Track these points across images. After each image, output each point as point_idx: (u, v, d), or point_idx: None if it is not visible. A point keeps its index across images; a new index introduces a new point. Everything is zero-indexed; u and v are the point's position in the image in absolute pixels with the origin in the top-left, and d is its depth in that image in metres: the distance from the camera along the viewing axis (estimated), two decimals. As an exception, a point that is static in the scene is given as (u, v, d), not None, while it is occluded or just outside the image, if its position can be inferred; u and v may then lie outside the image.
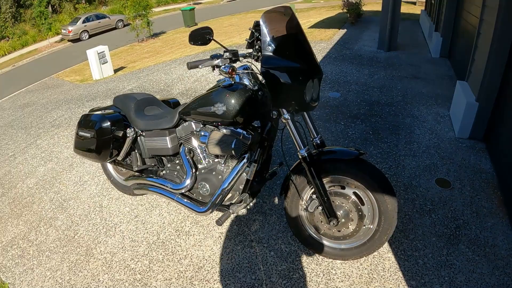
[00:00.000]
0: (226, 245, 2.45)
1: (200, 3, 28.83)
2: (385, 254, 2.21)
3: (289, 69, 1.83)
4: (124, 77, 8.53)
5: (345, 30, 9.20)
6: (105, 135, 2.55)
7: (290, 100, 1.89)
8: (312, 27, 10.08)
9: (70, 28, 20.09)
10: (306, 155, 1.94)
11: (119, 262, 2.49)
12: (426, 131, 3.64)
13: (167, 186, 2.46)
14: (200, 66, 2.05)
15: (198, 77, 6.59)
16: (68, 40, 20.52)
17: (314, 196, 2.04)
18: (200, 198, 2.38)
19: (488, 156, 3.10)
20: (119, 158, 2.76)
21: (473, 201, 2.60)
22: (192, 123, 2.31)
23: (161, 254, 2.48)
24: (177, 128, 2.42)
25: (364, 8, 11.48)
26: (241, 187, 2.19)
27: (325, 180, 1.99)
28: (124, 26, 21.59)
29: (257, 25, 1.96)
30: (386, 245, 2.26)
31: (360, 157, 1.92)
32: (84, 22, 20.57)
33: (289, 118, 1.93)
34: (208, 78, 6.39)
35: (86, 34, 20.52)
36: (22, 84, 12.96)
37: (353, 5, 10.20)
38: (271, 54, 1.82)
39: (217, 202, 2.19)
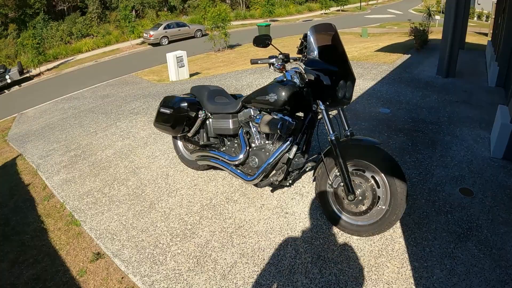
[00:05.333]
0: (265, 213, 2.95)
1: (277, 20, 29.92)
2: (397, 238, 2.56)
3: (326, 70, 2.37)
4: (198, 81, 9.42)
5: (409, 55, 9.36)
6: (181, 112, 3.21)
7: (325, 95, 2.41)
8: (378, 50, 10.34)
9: (151, 33, 21.81)
10: (333, 138, 2.41)
11: (175, 215, 3.10)
12: (462, 148, 3.87)
13: (224, 158, 3.07)
14: (259, 62, 2.68)
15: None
16: (149, 44, 22.28)
17: (339, 174, 2.47)
18: (250, 171, 2.95)
19: (518, 176, 3.29)
20: (189, 134, 3.42)
21: (491, 210, 2.84)
22: (251, 109, 2.91)
23: (210, 213, 3.05)
24: (239, 114, 3.04)
25: (431, 36, 11.48)
26: (283, 164, 2.71)
27: (349, 163, 2.44)
28: (202, 35, 23.03)
29: (305, 36, 2.51)
30: (399, 231, 2.62)
31: (377, 146, 2.36)
32: (165, 28, 22.25)
33: (324, 108, 2.44)
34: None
35: (166, 39, 22.14)
36: (103, 78, 14.50)
37: (419, 32, 10.31)
38: (314, 58, 2.38)
39: (262, 173, 2.74)
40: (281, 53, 2.64)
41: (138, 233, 2.94)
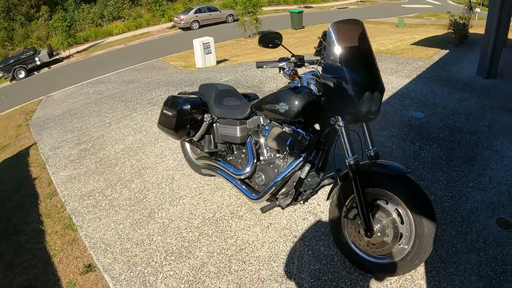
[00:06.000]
0: (271, 235, 2.65)
1: (311, 7, 28.91)
2: (418, 280, 2.21)
3: (347, 79, 1.91)
4: (224, 69, 9.09)
5: (448, 51, 8.65)
6: (184, 116, 2.92)
7: (345, 109, 1.98)
8: (414, 44, 9.67)
9: (182, 17, 21.46)
10: (353, 163, 2.01)
11: (173, 229, 2.87)
12: (503, 166, 3.41)
13: (229, 170, 2.75)
14: (264, 66, 2.24)
15: (292, 79, 6.80)
16: (179, 28, 21.99)
17: (355, 204, 2.08)
18: (256, 187, 2.60)
19: None
20: (195, 138, 3.13)
21: (533, 249, 2.43)
22: (261, 117, 2.55)
23: (211, 229, 2.79)
24: (247, 120, 2.68)
25: (472, 30, 10.62)
26: (294, 184, 2.37)
27: (370, 192, 2.05)
28: (234, 21, 22.11)
29: (325, 35, 2.04)
30: (421, 270, 2.26)
31: (406, 175, 1.95)
32: (196, 12, 21.79)
33: (343, 125, 2.01)
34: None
35: (196, 24, 21.68)
36: (131, 62, 14.46)
37: (459, 25, 9.50)
38: (334, 63, 1.95)
39: (268, 193, 2.40)
40: (293, 55, 2.20)
41: (132, 246, 2.73)
